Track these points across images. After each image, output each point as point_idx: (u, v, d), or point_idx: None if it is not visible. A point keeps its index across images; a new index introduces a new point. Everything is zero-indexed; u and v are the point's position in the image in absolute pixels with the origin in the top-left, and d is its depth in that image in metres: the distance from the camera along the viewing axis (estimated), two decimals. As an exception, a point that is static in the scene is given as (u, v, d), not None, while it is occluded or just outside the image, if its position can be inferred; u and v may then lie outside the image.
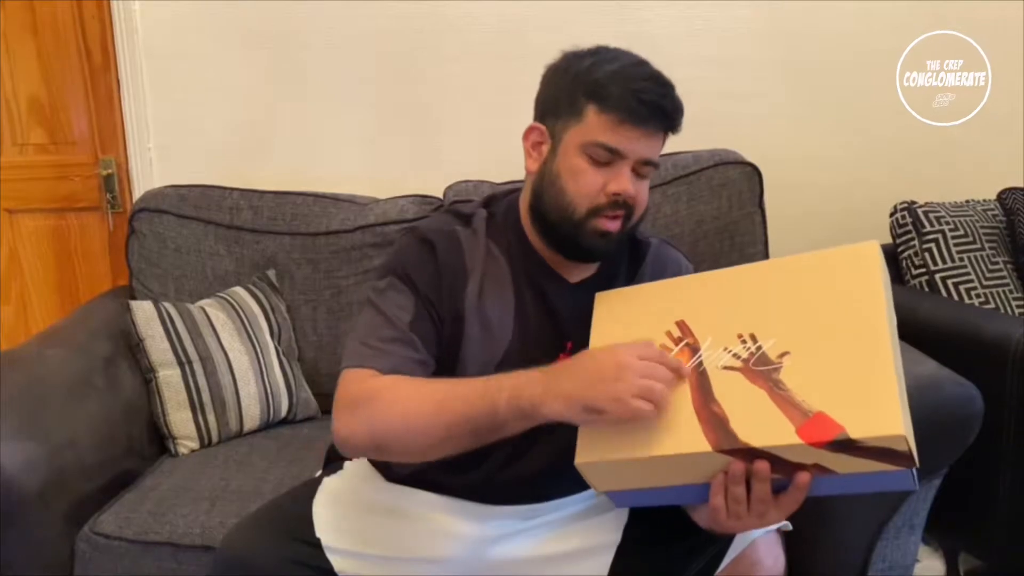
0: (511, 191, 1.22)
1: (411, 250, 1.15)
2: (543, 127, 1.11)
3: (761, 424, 0.89)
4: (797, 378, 0.91)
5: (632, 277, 1.19)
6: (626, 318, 1.07)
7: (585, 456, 0.97)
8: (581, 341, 1.10)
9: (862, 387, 0.88)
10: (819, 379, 0.90)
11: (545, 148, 1.12)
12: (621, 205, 1.07)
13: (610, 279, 1.17)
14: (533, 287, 1.14)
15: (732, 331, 0.98)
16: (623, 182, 1.06)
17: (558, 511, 1.17)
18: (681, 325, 1.02)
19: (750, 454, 0.89)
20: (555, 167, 1.10)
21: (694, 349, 0.99)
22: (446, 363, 1.12)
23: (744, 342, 0.96)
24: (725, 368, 0.95)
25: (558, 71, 1.11)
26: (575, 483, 1.10)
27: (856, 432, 0.85)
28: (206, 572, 1.18)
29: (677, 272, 1.21)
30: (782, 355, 0.94)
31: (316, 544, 1.13)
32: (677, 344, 1.00)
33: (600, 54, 1.08)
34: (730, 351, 0.96)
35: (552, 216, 1.10)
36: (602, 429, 0.95)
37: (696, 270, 1.86)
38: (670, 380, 0.93)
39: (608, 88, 1.04)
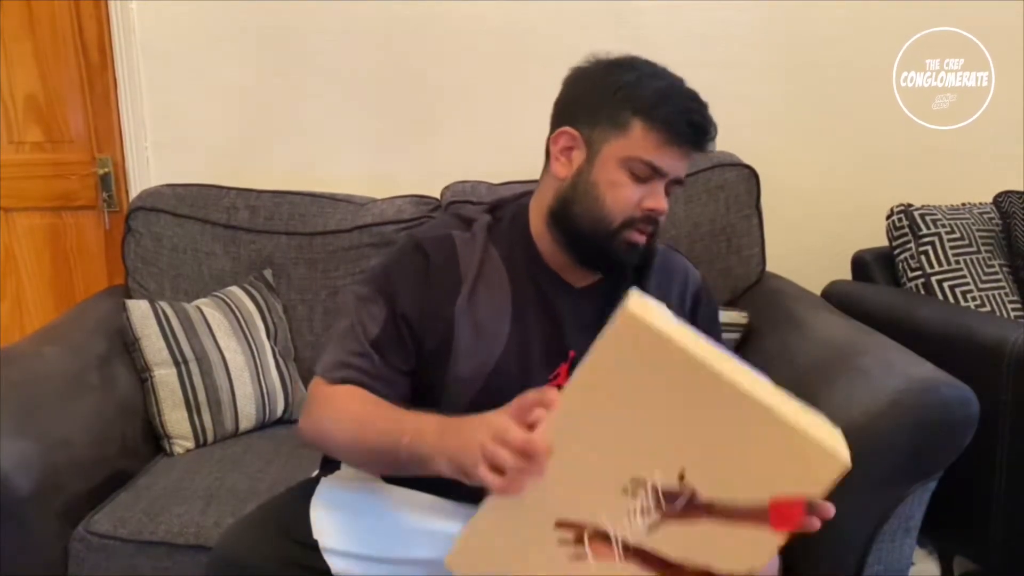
0: (522, 195, 1.22)
1: (403, 260, 1.16)
2: (576, 133, 1.11)
3: (743, 550, 0.80)
4: (716, 484, 0.79)
5: (639, 283, 1.17)
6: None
7: (456, 561, 0.88)
8: (583, 347, 1.09)
9: (779, 450, 0.77)
10: (733, 470, 0.78)
11: (577, 155, 1.11)
12: (653, 221, 1.10)
13: (616, 285, 1.15)
14: (534, 292, 1.14)
15: (613, 491, 0.81)
16: (659, 199, 1.08)
17: None
18: (562, 525, 0.84)
19: None
20: (592, 177, 1.10)
21: (604, 535, 0.83)
22: (436, 371, 1.13)
23: (635, 493, 0.80)
24: (651, 530, 0.81)
25: (594, 78, 1.11)
26: None
27: (815, 487, 0.79)
28: (201, 572, 1.18)
29: (684, 277, 1.22)
30: (681, 477, 0.79)
31: (313, 546, 1.13)
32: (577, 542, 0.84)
33: (640, 68, 1.09)
34: (634, 512, 0.81)
35: (584, 225, 1.10)
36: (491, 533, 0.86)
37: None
38: (518, 448, 0.80)
39: (658, 107, 1.05)
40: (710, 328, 1.22)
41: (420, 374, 1.15)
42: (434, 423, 0.95)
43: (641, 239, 1.10)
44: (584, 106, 1.11)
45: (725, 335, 1.74)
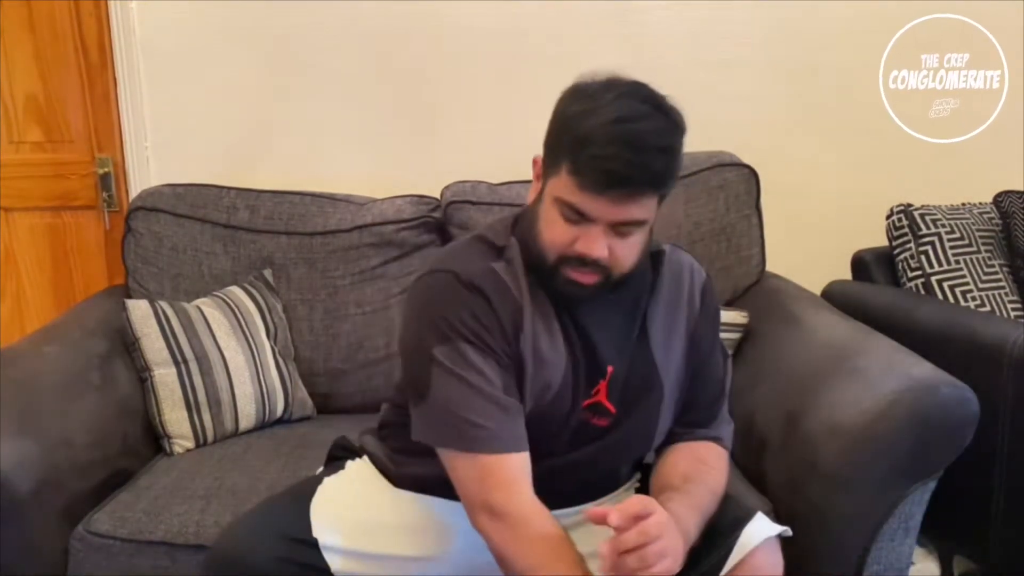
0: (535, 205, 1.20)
1: (463, 302, 1.08)
2: (540, 161, 1.09)
3: None
4: None
5: (654, 287, 1.18)
6: None
7: None
8: (617, 363, 1.12)
9: None
10: None
11: (538, 185, 1.10)
12: (590, 264, 1.03)
13: (635, 291, 1.15)
14: (569, 314, 1.12)
15: None
16: (590, 244, 1.02)
17: (568, 519, 1.17)
18: None
19: None
20: (539, 209, 1.08)
21: None
22: None
23: None
24: None
25: (558, 105, 1.06)
26: (581, 498, 1.15)
27: None
28: (199, 571, 1.17)
29: (691, 274, 1.21)
30: None
31: (312, 543, 1.12)
32: None
33: (595, 98, 1.01)
34: None
35: (533, 255, 1.09)
36: None
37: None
38: None
39: (579, 150, 0.99)
40: (712, 324, 1.23)
41: None
42: None
43: (585, 279, 1.05)
44: (547, 136, 1.07)
45: (725, 335, 1.74)
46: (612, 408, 1.13)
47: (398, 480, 1.20)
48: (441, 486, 1.13)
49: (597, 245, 1.02)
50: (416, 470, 1.18)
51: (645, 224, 1.05)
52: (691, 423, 1.20)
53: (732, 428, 1.24)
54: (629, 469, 1.25)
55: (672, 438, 1.20)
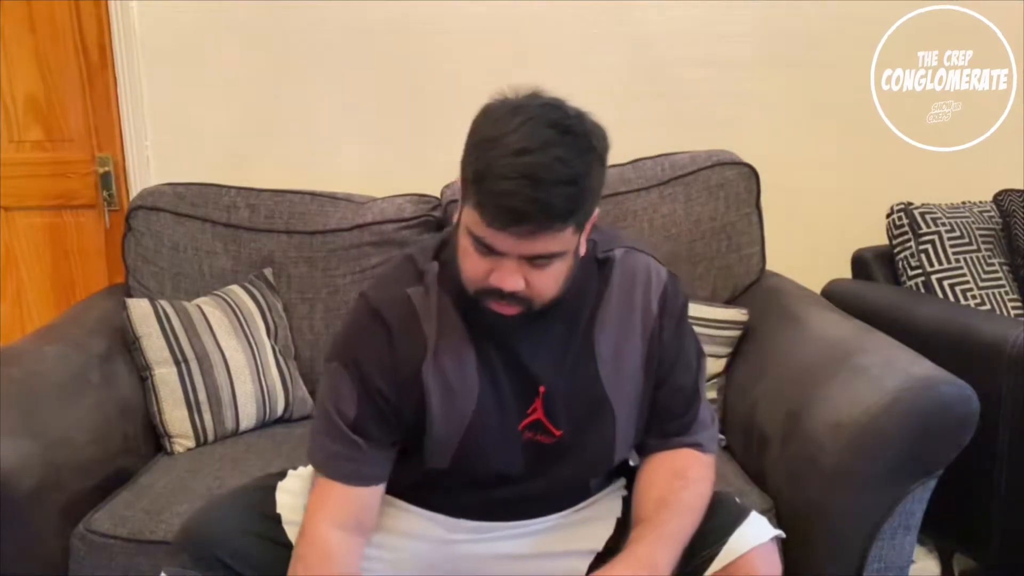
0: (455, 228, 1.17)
1: (361, 329, 1.11)
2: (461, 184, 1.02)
3: None
4: None
5: (600, 298, 1.14)
6: None
7: None
8: (552, 381, 1.09)
9: None
10: None
11: (460, 207, 1.03)
12: (508, 296, 1.00)
13: (576, 304, 1.12)
14: (491, 331, 1.09)
15: None
16: (503, 277, 0.98)
17: (536, 525, 1.17)
18: None
19: None
20: (457, 235, 1.04)
21: None
22: (416, 434, 1.11)
23: None
24: None
25: (470, 129, 1.00)
26: (563, 505, 1.16)
27: None
28: (169, 549, 1.19)
29: (647, 277, 1.15)
30: None
31: (276, 519, 1.14)
32: None
33: (500, 124, 0.95)
34: None
35: (457, 282, 1.06)
36: None
37: (694, 271, 1.89)
38: None
39: (479, 183, 0.95)
40: (677, 327, 1.16)
41: (405, 438, 1.13)
42: None
43: (507, 310, 1.02)
44: (462, 157, 1.01)
45: (725, 332, 1.75)
46: (553, 427, 1.10)
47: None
48: (402, 492, 1.16)
49: (510, 279, 0.98)
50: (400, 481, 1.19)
51: (562, 254, 1.00)
52: (667, 433, 1.16)
53: (715, 430, 1.21)
54: (600, 480, 1.22)
55: (650, 449, 1.18)
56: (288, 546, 1.11)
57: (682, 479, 1.12)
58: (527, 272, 0.99)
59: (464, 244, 1.01)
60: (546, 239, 0.96)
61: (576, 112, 0.98)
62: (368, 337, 1.10)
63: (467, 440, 1.09)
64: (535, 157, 0.92)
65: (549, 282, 1.01)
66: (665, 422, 1.17)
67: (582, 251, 1.06)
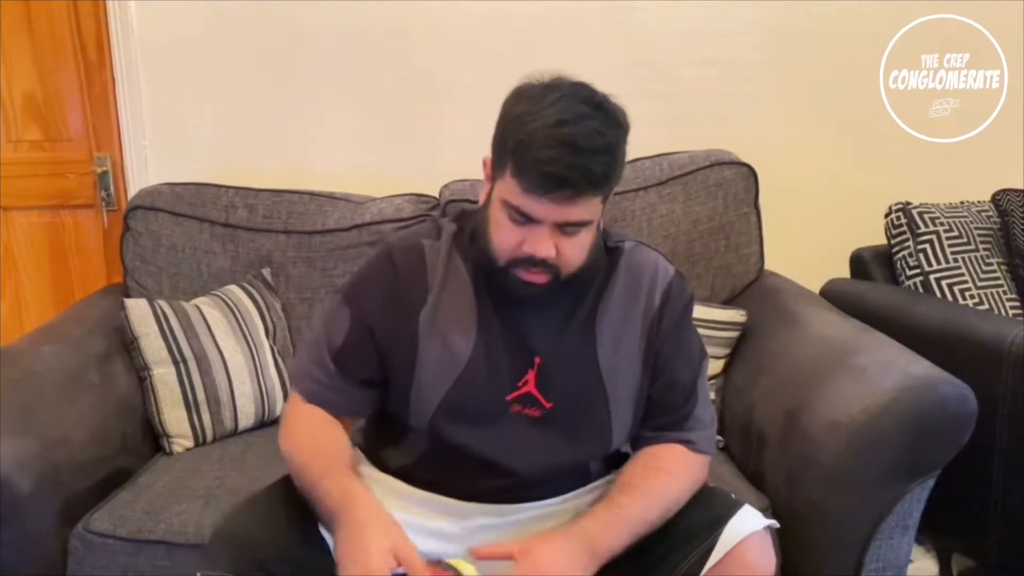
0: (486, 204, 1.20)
1: (373, 269, 1.19)
2: (489, 162, 1.10)
3: None
4: None
5: (606, 283, 1.17)
6: None
7: None
8: (549, 355, 1.12)
9: None
10: None
11: (487, 186, 1.11)
12: (540, 263, 1.06)
13: (581, 288, 1.15)
14: (499, 300, 1.14)
15: None
16: (537, 244, 1.04)
17: (534, 511, 1.17)
18: None
19: None
20: (488, 211, 1.10)
21: None
22: (403, 380, 1.14)
23: None
24: None
25: (505, 106, 1.08)
26: (554, 489, 1.16)
27: None
28: (205, 554, 1.16)
29: (654, 272, 1.19)
30: None
31: (314, 521, 1.12)
32: None
33: (537, 100, 1.03)
34: None
35: (484, 257, 1.11)
36: None
37: (692, 270, 1.89)
38: None
39: (521, 153, 1.01)
40: (678, 324, 1.19)
41: (389, 383, 1.16)
42: (344, 532, 1.01)
43: (536, 279, 1.07)
44: (494, 137, 1.08)
45: (724, 333, 1.75)
46: (545, 399, 1.13)
47: (383, 467, 1.22)
48: (409, 477, 1.17)
49: (544, 246, 1.04)
50: (387, 461, 1.21)
51: (591, 223, 1.07)
52: (660, 427, 1.18)
53: (713, 431, 1.21)
54: (599, 466, 1.22)
55: (641, 442, 1.19)
56: (325, 549, 1.10)
57: (656, 469, 1.14)
58: (558, 240, 1.05)
59: (498, 217, 1.07)
60: (578, 206, 1.02)
61: (603, 92, 1.06)
62: (375, 274, 1.18)
63: (451, 397, 1.12)
64: (574, 128, 0.99)
65: (576, 251, 1.07)
66: (659, 416, 1.18)
67: (601, 225, 1.14)
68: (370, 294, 1.16)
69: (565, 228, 1.05)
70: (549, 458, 1.14)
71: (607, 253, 1.19)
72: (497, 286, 1.12)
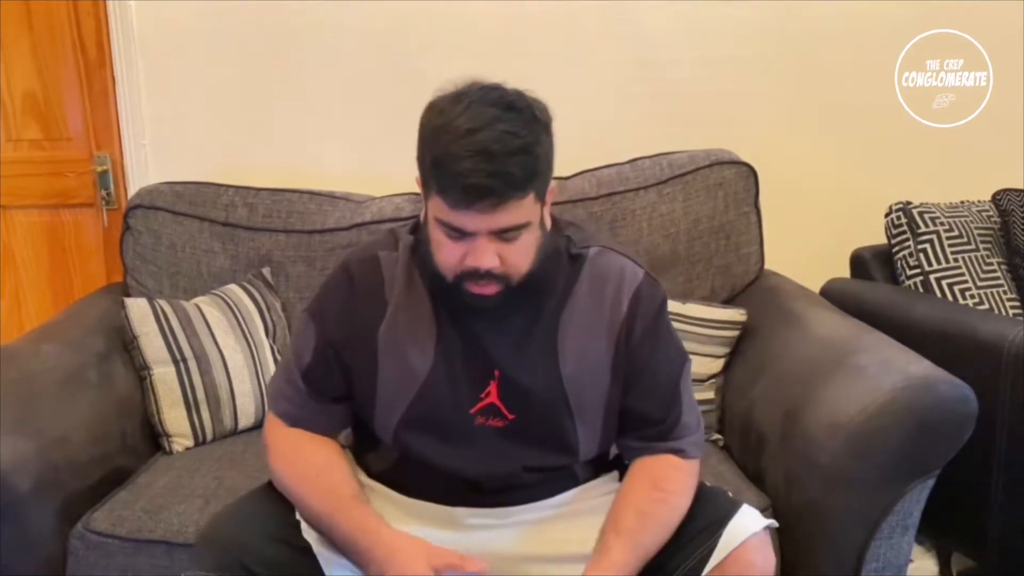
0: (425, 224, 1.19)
1: (332, 283, 1.19)
2: (420, 182, 1.08)
3: None
4: None
5: (568, 291, 1.15)
6: None
7: None
8: (509, 368, 1.11)
9: None
10: None
11: (424, 205, 1.09)
12: (485, 275, 1.04)
13: (541, 297, 1.14)
14: (457, 312, 1.12)
15: None
16: (479, 257, 1.02)
17: (532, 513, 1.17)
18: None
19: None
20: (426, 230, 1.09)
21: None
22: (366, 393, 1.14)
23: None
24: None
25: (420, 122, 1.06)
26: (544, 491, 1.16)
27: None
28: (190, 561, 1.17)
29: (620, 277, 1.16)
30: None
31: (297, 525, 1.14)
32: None
33: (447, 112, 1.01)
34: None
35: (434, 273, 1.10)
36: None
37: (692, 270, 1.89)
38: None
39: (439, 169, 1.00)
40: (652, 330, 1.16)
41: (358, 402, 1.16)
42: (374, 569, 1.05)
43: (487, 290, 1.05)
44: (417, 154, 1.06)
45: (724, 333, 1.74)
46: (507, 410, 1.12)
47: (371, 473, 1.22)
48: (391, 482, 1.18)
49: (485, 257, 1.02)
50: (370, 465, 1.22)
51: (528, 224, 1.04)
52: (648, 437, 1.17)
53: (701, 434, 1.20)
54: (585, 470, 1.21)
55: (632, 452, 1.18)
56: (307, 551, 1.11)
57: (660, 491, 1.13)
58: (499, 248, 1.03)
59: (436, 236, 1.06)
60: (510, 210, 1.00)
61: (515, 90, 1.04)
62: (334, 289, 1.18)
63: (415, 407, 1.12)
64: (485, 134, 0.98)
65: (521, 255, 1.05)
66: (644, 426, 1.17)
67: (547, 224, 1.11)
68: (330, 310, 1.17)
69: (503, 235, 1.02)
70: (516, 468, 1.14)
71: (570, 260, 1.16)
72: (453, 300, 1.10)
